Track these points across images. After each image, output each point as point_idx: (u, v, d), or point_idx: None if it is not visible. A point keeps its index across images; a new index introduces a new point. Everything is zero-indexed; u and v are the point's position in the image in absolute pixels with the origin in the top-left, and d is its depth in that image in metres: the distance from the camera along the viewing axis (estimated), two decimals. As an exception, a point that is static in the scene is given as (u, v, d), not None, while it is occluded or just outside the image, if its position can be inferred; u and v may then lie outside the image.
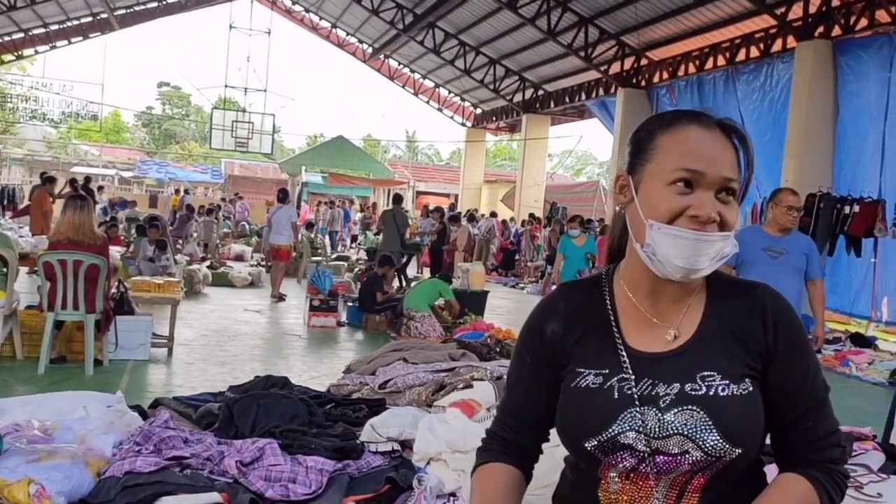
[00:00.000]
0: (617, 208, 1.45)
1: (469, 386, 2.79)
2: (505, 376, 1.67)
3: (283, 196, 13.18)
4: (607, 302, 1.44)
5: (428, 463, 2.37)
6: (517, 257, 19.66)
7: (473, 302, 10.93)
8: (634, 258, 1.39)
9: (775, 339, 1.37)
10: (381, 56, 26.47)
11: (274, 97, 60.57)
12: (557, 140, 27.95)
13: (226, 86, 27.06)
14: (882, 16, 10.97)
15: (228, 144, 25.97)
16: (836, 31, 11.60)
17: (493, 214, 22.02)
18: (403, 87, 28.15)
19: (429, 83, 27.40)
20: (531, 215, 20.42)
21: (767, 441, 1.45)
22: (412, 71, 27.08)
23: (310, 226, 19.10)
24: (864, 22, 11.25)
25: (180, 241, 16.77)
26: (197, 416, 3.17)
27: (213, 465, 2.57)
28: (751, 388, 1.34)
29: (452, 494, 2.24)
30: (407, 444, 2.48)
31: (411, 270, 16.65)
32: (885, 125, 10.80)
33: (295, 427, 2.66)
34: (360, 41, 26.96)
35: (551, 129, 24.37)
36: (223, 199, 27.78)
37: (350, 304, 10.56)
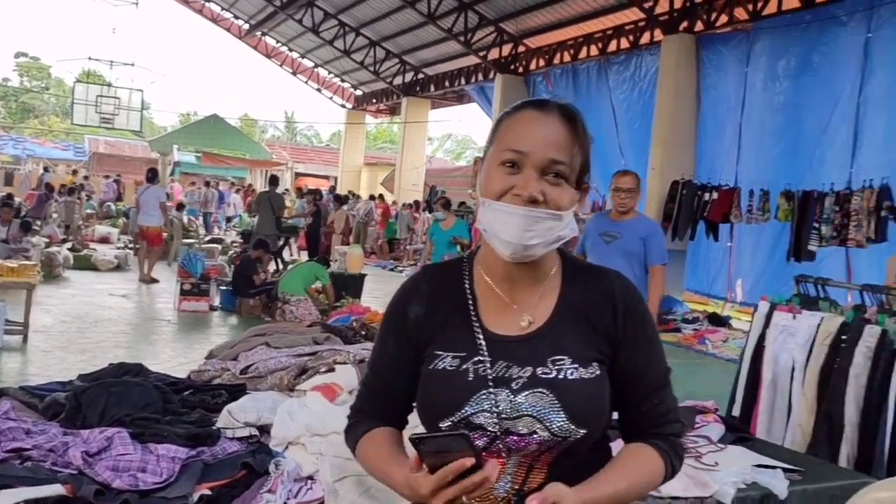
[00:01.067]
0: (471, 192, 1.48)
1: (331, 370, 2.76)
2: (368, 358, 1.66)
3: (151, 175, 12.67)
4: (466, 286, 1.46)
5: (286, 447, 2.32)
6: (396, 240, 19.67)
7: (351, 285, 10.87)
8: (488, 245, 1.42)
9: (624, 325, 1.42)
10: (258, 33, 25.73)
11: (143, 72, 57.89)
12: (437, 124, 28.13)
13: (89, 58, 25.62)
14: (741, 13, 11.59)
15: (92, 120, 24.65)
16: (699, 26, 12.17)
17: (373, 197, 21.92)
18: (281, 66, 27.47)
19: (308, 63, 26.86)
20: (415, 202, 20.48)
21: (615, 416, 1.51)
22: (290, 50, 26.45)
23: (180, 206, 18.40)
24: (724, 18, 11.86)
25: (38, 222, 15.79)
26: (43, 407, 2.99)
27: (57, 457, 2.43)
28: (598, 372, 1.39)
29: (310, 477, 2.21)
30: (265, 430, 2.42)
31: (288, 254, 16.36)
32: (742, 117, 11.45)
33: (147, 415, 2.55)
34: (236, 17, 26.06)
35: (431, 113, 24.46)
36: (86, 178, 26.29)
37: (223, 287, 10.27)
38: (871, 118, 9.62)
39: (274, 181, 14.30)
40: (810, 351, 3.56)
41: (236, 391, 2.74)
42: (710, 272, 12.42)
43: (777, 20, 11.06)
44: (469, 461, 1.22)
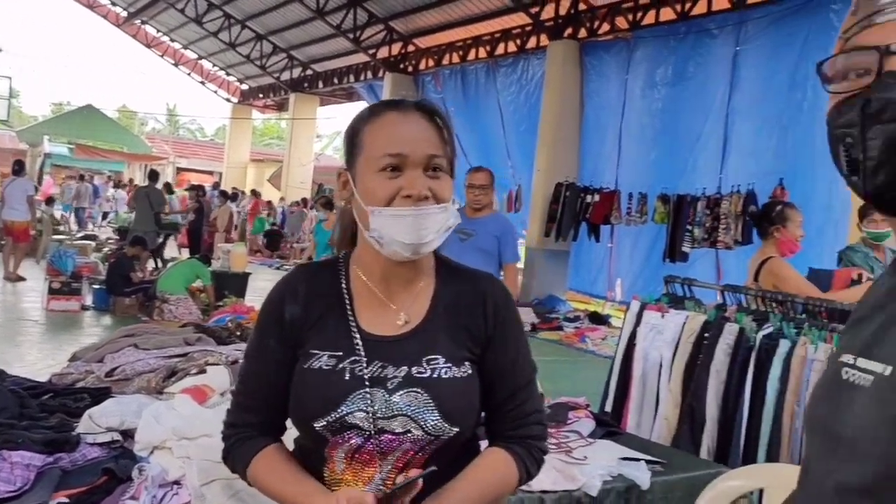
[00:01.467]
0: (342, 203, 1.48)
1: (203, 371, 2.68)
2: (241, 360, 1.61)
3: (18, 168, 11.95)
4: (343, 286, 1.47)
5: (152, 452, 2.24)
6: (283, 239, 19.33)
7: (234, 284, 10.58)
8: (366, 246, 1.44)
9: (493, 325, 1.47)
10: (137, 21, 24.70)
11: (11, 58, 54.57)
12: (327, 121, 27.81)
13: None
14: (621, 22, 12.03)
15: (-47, 107, 23.00)
16: (583, 33, 12.55)
17: (254, 193, 21.48)
18: (162, 56, 26.46)
19: (191, 54, 25.98)
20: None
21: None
22: (172, 40, 25.51)
23: (50, 201, 17.45)
24: (606, 27, 12.27)
25: None
26: None
27: None
28: (470, 371, 1.44)
29: (176, 482, 2.13)
30: (130, 434, 2.33)
31: (170, 251, 15.80)
32: (622, 122, 11.88)
33: (1, 421, 2.40)
34: (114, 3, 24.92)
35: (320, 110, 24.17)
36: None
37: (96, 286, 9.82)
38: (739, 127, 10.18)
39: (153, 176, 13.80)
40: (676, 348, 3.74)
41: (100, 395, 2.62)
42: (592, 272, 12.83)
43: (655, 30, 11.54)
44: (417, 487, 1.32)
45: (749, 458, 3.28)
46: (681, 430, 3.57)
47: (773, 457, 3.20)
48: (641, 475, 2.51)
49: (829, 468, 0.85)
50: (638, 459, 2.62)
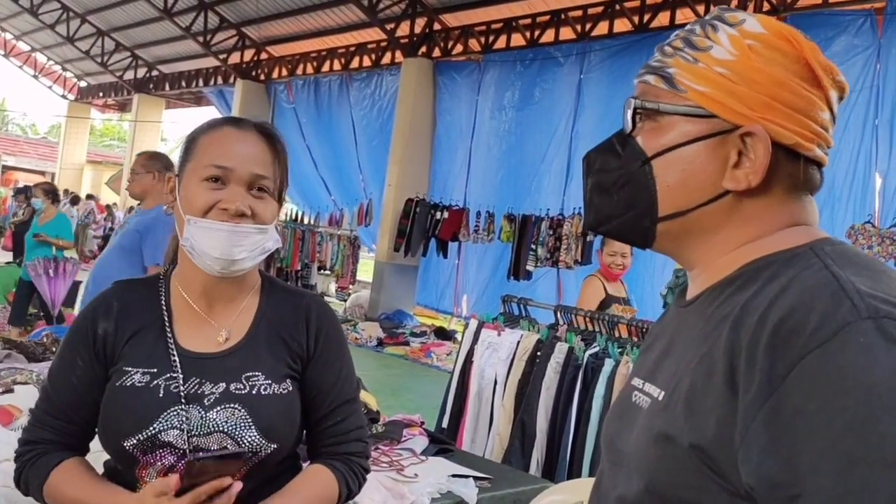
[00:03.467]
0: (166, 208, 1.46)
1: (9, 390, 2.48)
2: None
3: None
4: (162, 302, 1.44)
5: (-58, 481, 2.04)
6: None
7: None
8: (186, 261, 1.42)
9: (316, 342, 1.48)
10: (-36, 7, 22.82)
11: None
12: (173, 125, 26.73)
13: None
14: (474, 44, 12.34)
15: None
16: (437, 52, 12.77)
17: (90, 197, 20.31)
18: (-8, 46, 24.56)
19: (24, 46, 24.23)
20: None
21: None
22: (2, 30, 23.70)
23: None
24: (459, 47, 12.55)
25: None
26: None
27: None
28: (290, 388, 1.44)
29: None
30: (-81, 460, 2.12)
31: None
32: (472, 142, 12.17)
33: None
34: (-63, -15, 22.92)
35: (166, 113, 23.18)
36: None
37: None
38: (581, 151, 10.57)
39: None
40: (511, 365, 3.86)
41: None
42: (439, 287, 13.01)
43: (505, 54, 11.92)
44: (227, 481, 1.27)
45: (574, 472, 3.42)
46: (512, 445, 3.67)
47: (596, 471, 3.35)
48: (469, 491, 2.56)
49: (614, 483, 0.92)
50: (467, 476, 2.67)
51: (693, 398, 0.81)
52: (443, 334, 11.39)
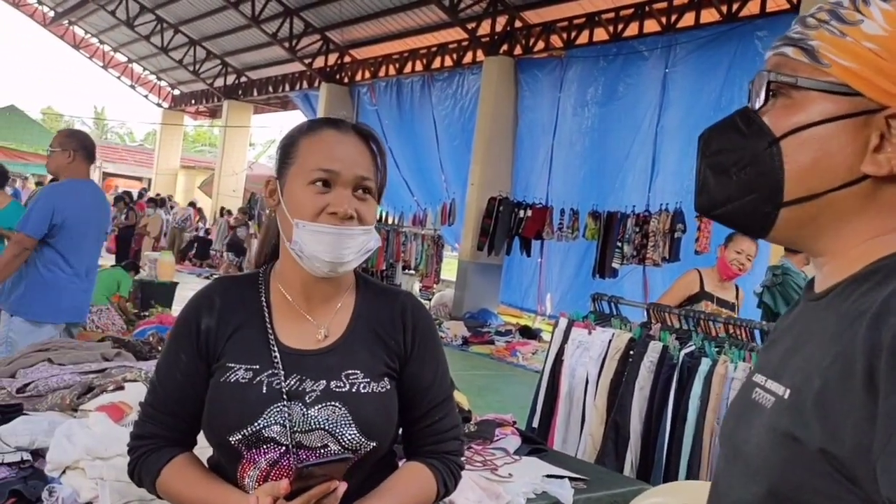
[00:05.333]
0: (268, 211, 1.49)
1: (120, 388, 2.59)
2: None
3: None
4: (262, 299, 1.46)
5: (63, 472, 2.15)
6: (212, 248, 18.94)
7: (161, 293, 10.33)
8: (287, 258, 1.44)
9: (412, 341, 1.49)
10: (65, 22, 23.98)
11: (-70, 54, 52.32)
12: (260, 129, 27.44)
13: None
14: (556, 41, 12.24)
15: None
16: (518, 50, 12.72)
17: (192, 204, 21.05)
18: (91, 58, 25.74)
19: (121, 57, 25.33)
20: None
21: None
22: (101, 42, 24.83)
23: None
24: (541, 45, 12.46)
25: None
26: None
27: None
28: (388, 387, 1.45)
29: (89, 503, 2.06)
30: (41, 454, 2.23)
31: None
32: (554, 139, 12.06)
33: None
34: (40, 2, 24.14)
35: (254, 118, 23.85)
36: None
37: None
38: (667, 147, 10.44)
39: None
40: (602, 365, 3.80)
41: (11, 412, 2.50)
42: (523, 286, 12.96)
43: (588, 50, 11.78)
44: (334, 485, 1.29)
45: (671, 474, 3.34)
46: (605, 446, 3.62)
47: (693, 473, 3.28)
48: (565, 492, 2.53)
49: (731, 484, 0.88)
50: (562, 477, 2.65)
51: (825, 400, 0.76)
52: (528, 333, 11.34)
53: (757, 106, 0.90)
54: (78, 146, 4.03)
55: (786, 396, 0.83)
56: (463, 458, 1.56)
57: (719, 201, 0.92)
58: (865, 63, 0.83)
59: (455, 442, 1.54)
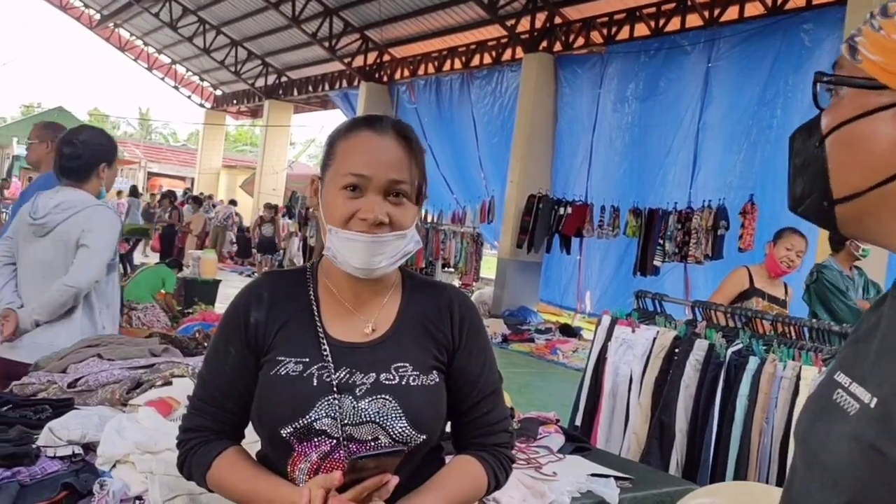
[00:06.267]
0: (311, 209, 1.50)
1: (168, 383, 2.63)
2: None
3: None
4: (311, 292, 1.47)
5: (114, 466, 2.19)
6: (253, 247, 19.15)
7: (204, 291, 10.51)
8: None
9: (460, 334, 1.49)
10: (111, 24, 24.44)
11: (-19, 58, 53.74)
12: (301, 128, 27.66)
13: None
14: (596, 37, 12.13)
15: (-81, 107, 22.49)
16: (558, 46, 12.64)
17: (233, 202, 21.30)
18: (136, 60, 26.20)
19: (164, 59, 25.76)
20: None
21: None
22: (146, 44, 25.27)
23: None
24: (581, 41, 12.37)
25: None
26: None
27: None
28: (437, 379, 1.45)
29: (139, 498, 2.08)
30: (92, 448, 2.27)
31: (140, 257, 15.65)
32: (594, 136, 11.96)
33: (-42, 433, 2.34)
34: (87, 6, 24.64)
35: (294, 118, 24.09)
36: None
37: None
38: (709, 143, 10.29)
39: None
40: (647, 363, 3.76)
41: (61, 406, 2.55)
42: (562, 284, 12.88)
43: (628, 45, 11.65)
44: (387, 478, 1.30)
45: (717, 473, 3.29)
46: (650, 445, 3.58)
47: (741, 473, 3.22)
48: (610, 492, 2.51)
49: (808, 490, 0.86)
50: (607, 476, 2.62)
51: None
52: (568, 331, 11.28)
53: (823, 104, 0.89)
54: (55, 137, 3.85)
55: (872, 405, 0.79)
56: (513, 450, 1.55)
57: (797, 200, 0.92)
58: (891, 56, 0.81)
59: (504, 434, 1.54)
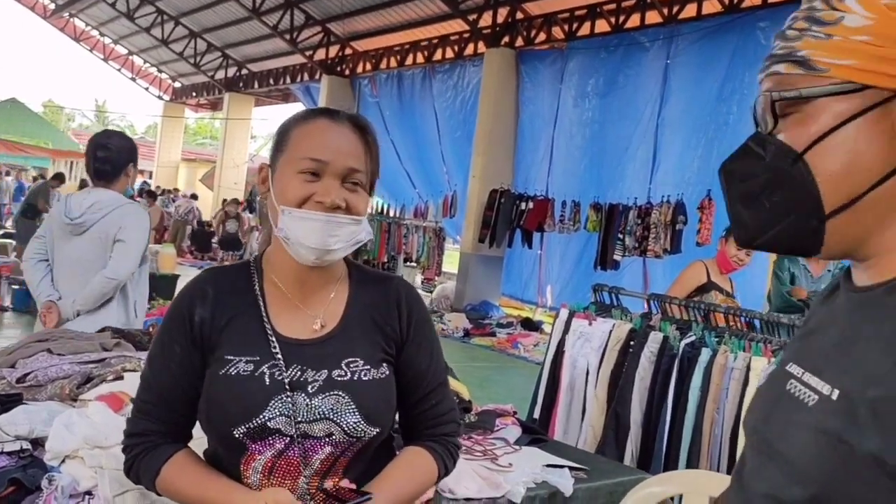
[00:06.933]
0: (259, 198, 1.48)
1: (120, 377, 2.59)
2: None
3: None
4: (256, 288, 1.45)
5: (63, 461, 2.15)
6: (213, 241, 18.91)
7: (162, 286, 10.33)
8: (278, 247, 1.43)
9: (408, 327, 1.50)
10: (66, 14, 23.93)
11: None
12: (262, 122, 27.34)
13: None
14: (557, 32, 12.20)
15: None
16: (520, 41, 12.68)
17: (194, 196, 21.01)
18: (92, 51, 25.69)
19: (121, 50, 25.29)
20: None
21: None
22: (102, 35, 24.78)
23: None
24: (542, 36, 12.43)
25: None
26: None
27: None
28: (387, 372, 1.46)
29: (88, 493, 2.06)
30: (40, 443, 2.24)
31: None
32: (555, 131, 12.04)
33: None
34: (41, -5, 24.11)
35: (255, 111, 23.80)
36: None
37: (16, 287, 9.46)
38: (668, 138, 10.42)
39: (58, 176, 13.71)
40: (603, 355, 3.80)
41: (10, 401, 2.50)
42: (524, 278, 12.95)
43: (589, 42, 11.74)
44: None
45: (671, 463, 3.34)
46: (606, 437, 3.63)
47: (693, 462, 3.28)
48: (565, 482, 2.53)
49: (764, 478, 0.86)
50: (562, 466, 2.65)
51: (888, 410, 0.74)
52: (529, 325, 11.33)
53: (768, 128, 0.89)
54: None
55: (834, 397, 0.80)
56: (459, 439, 1.58)
57: (758, 230, 0.89)
58: (862, 56, 0.82)
59: (453, 424, 1.56)
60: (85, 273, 3.37)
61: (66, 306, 3.38)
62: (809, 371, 0.85)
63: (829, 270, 5.03)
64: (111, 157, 3.39)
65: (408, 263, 14.10)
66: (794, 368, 0.89)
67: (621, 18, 11.29)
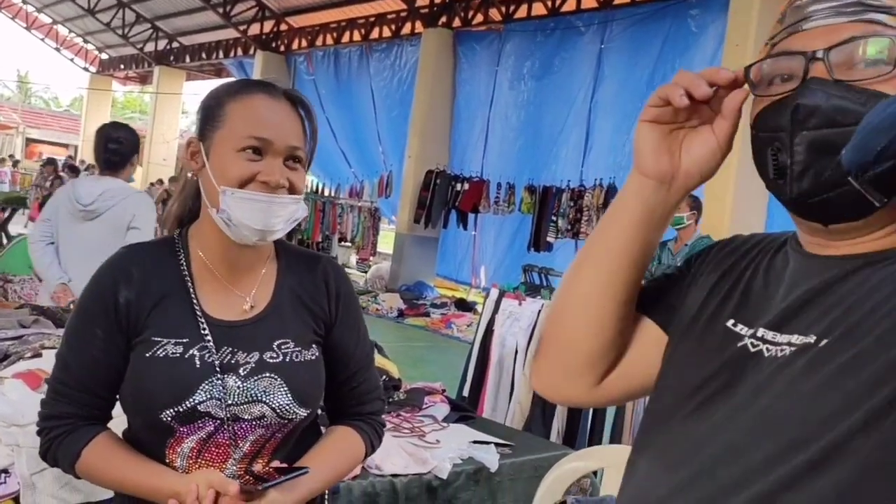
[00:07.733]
0: (189, 174, 1.43)
1: (38, 355, 2.52)
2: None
3: None
4: (183, 268, 1.41)
5: (-23, 441, 2.10)
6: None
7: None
8: (209, 224, 1.38)
9: (336, 307, 1.49)
10: (-14, -21, 22.89)
11: None
12: (193, 97, 26.63)
13: None
14: (494, 14, 12.22)
15: None
16: (457, 22, 12.66)
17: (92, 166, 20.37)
18: (13, 19, 24.63)
19: (45, 18, 24.30)
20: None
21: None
22: (24, 2, 23.76)
23: None
24: (480, 17, 12.43)
25: None
26: None
27: None
28: (317, 353, 1.46)
29: (4, 471, 2.01)
30: (-47, 423, 2.17)
31: (16, 227, 14.83)
32: (490, 113, 12.09)
33: None
34: (-42, -42, 22.99)
35: (186, 85, 23.21)
36: None
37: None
38: (601, 122, 10.57)
39: None
40: (532, 334, 3.86)
41: (-79, 381, 2.42)
42: (458, 259, 13.02)
43: (526, 24, 11.80)
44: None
45: (595, 440, 3.44)
46: (533, 414, 3.70)
47: (616, 438, 3.37)
48: (490, 457, 2.58)
49: (746, 450, 0.82)
50: (488, 443, 2.69)
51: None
52: (463, 305, 11.41)
53: (857, 77, 0.84)
54: None
55: (822, 345, 0.81)
56: (385, 416, 1.60)
57: (828, 185, 0.82)
58: None
59: (378, 402, 1.57)
60: (94, 256, 3.34)
61: (77, 288, 3.46)
62: (771, 329, 0.86)
63: (686, 245, 5.17)
64: (121, 149, 3.64)
65: (342, 243, 14.02)
66: (741, 329, 0.89)
67: (558, 2, 11.37)
